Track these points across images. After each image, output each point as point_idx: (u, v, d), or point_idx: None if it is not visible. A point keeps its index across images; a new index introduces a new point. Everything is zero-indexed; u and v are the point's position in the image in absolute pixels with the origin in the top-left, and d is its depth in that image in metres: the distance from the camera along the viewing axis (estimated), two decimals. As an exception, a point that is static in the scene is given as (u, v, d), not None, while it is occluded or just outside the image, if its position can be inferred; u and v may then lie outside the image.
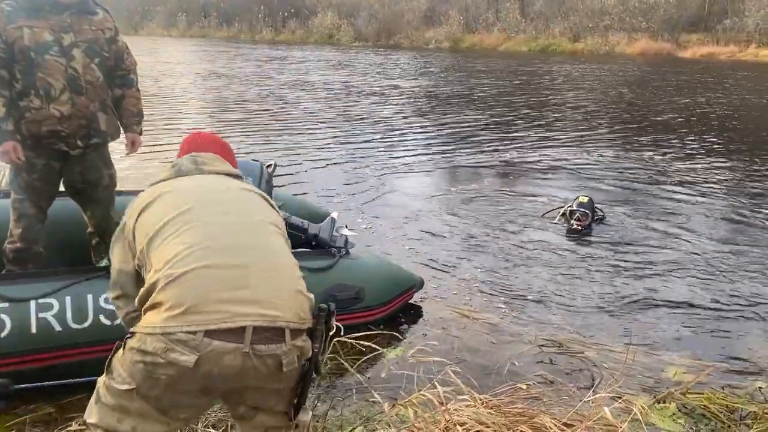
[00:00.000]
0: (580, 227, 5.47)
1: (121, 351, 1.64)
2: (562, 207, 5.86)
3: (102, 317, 2.77)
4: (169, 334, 1.53)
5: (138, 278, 1.79)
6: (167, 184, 1.86)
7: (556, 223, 5.64)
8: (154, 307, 1.60)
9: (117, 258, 1.85)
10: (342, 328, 1.88)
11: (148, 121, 3.89)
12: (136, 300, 1.69)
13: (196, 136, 2.11)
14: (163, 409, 1.63)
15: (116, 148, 3.53)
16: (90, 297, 2.78)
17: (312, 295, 1.76)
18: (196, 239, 1.64)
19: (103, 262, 3.47)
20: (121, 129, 3.47)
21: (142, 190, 1.89)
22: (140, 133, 3.52)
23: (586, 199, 5.72)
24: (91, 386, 2.78)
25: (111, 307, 2.78)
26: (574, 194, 6.58)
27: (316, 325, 1.72)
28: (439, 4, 37.51)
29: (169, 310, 1.56)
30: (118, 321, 2.75)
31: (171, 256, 1.62)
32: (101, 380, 1.69)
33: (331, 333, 1.79)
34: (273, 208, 1.94)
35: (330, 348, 2.64)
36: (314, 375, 1.75)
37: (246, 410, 1.76)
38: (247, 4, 43.88)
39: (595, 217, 5.72)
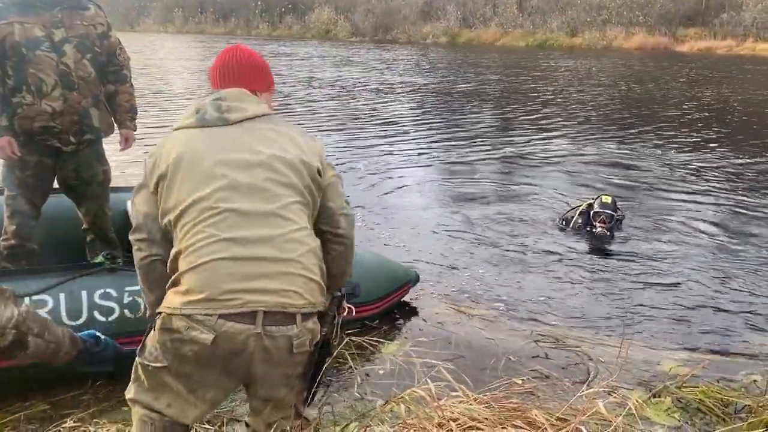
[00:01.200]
0: (605, 231, 5.09)
1: (152, 332, 1.76)
2: (578, 207, 5.48)
3: (97, 314, 2.76)
4: (188, 315, 1.66)
5: (165, 231, 1.79)
6: (189, 138, 1.78)
7: (571, 229, 5.30)
8: (176, 284, 1.72)
9: (140, 204, 1.83)
10: (353, 308, 1.92)
11: (146, 117, 3.86)
12: (168, 266, 1.77)
13: (225, 65, 1.90)
14: (192, 387, 1.75)
15: (113, 146, 3.52)
16: (84, 294, 2.77)
17: (323, 282, 1.81)
18: (216, 229, 1.69)
19: (98, 259, 3.46)
20: (115, 125, 3.46)
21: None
22: (134, 129, 3.51)
23: (609, 199, 5.28)
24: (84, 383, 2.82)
25: (106, 303, 2.79)
26: (575, 190, 6.59)
27: (327, 310, 1.84)
28: (436, -1, 37.44)
29: (188, 294, 1.68)
30: (113, 317, 2.78)
31: (193, 242, 1.71)
32: (137, 360, 1.81)
33: (344, 315, 1.93)
34: (305, 161, 1.78)
35: (343, 341, 2.67)
36: (327, 358, 1.89)
37: (258, 404, 1.84)
38: (243, 0, 43.77)
39: (617, 218, 5.29)
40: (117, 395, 2.77)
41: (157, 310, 1.76)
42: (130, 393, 1.83)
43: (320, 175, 1.81)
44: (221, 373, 1.74)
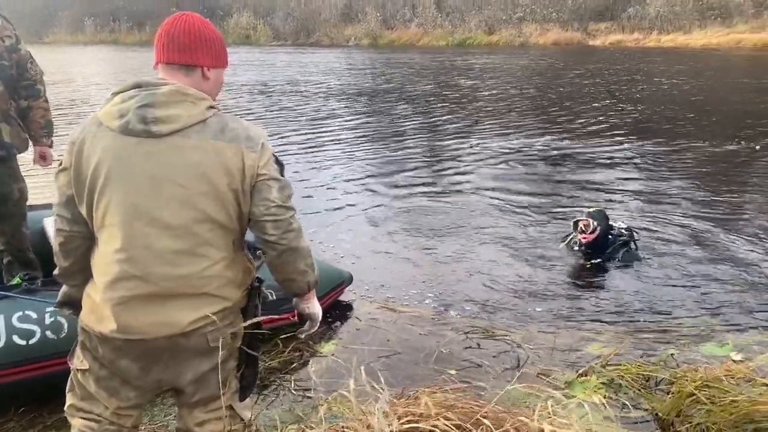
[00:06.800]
0: (584, 242, 4.48)
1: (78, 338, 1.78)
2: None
3: (16, 337, 2.65)
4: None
5: (85, 220, 1.70)
6: (111, 148, 1.62)
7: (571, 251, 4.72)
8: (92, 287, 1.71)
9: (64, 185, 1.70)
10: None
11: (64, 133, 3.70)
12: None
13: (170, 34, 1.71)
14: (114, 389, 1.75)
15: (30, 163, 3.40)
16: (1, 318, 2.66)
17: (236, 291, 1.77)
18: (126, 268, 1.63)
19: (15, 281, 3.32)
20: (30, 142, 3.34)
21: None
22: (51, 146, 3.39)
23: (593, 209, 4.73)
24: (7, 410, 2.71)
25: (25, 326, 2.68)
26: (504, 185, 6.75)
27: (247, 303, 1.80)
28: (355, 1, 37.55)
29: (98, 313, 1.68)
30: (33, 341, 2.68)
31: (102, 272, 1.67)
32: (71, 368, 1.82)
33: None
34: (233, 188, 1.66)
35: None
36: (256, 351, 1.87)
37: (190, 408, 1.82)
38: (157, 7, 42.55)
39: (614, 236, 4.61)
40: (43, 421, 2.68)
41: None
42: (68, 399, 1.82)
43: (251, 186, 1.68)
44: (139, 372, 1.72)
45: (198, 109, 1.65)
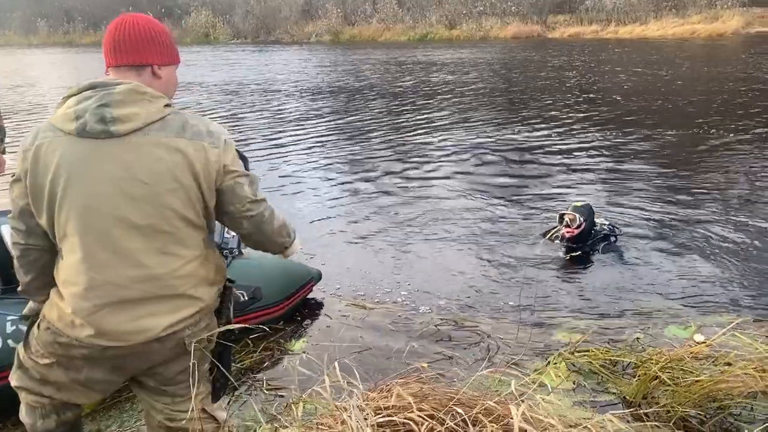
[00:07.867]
0: (567, 236, 4.49)
1: (36, 329, 1.76)
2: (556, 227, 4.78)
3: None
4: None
5: (42, 231, 1.68)
6: (68, 152, 1.58)
7: (551, 242, 4.77)
8: (59, 298, 1.67)
9: (18, 197, 1.66)
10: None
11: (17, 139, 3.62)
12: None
13: (117, 38, 1.67)
14: (81, 381, 1.74)
15: None
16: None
17: (210, 291, 1.76)
18: (94, 275, 1.61)
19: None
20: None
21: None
22: (3, 152, 3.31)
23: (580, 203, 4.66)
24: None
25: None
26: (471, 180, 6.79)
27: (221, 304, 1.83)
28: (316, -3, 37.41)
29: (69, 320, 1.65)
30: (-3, 349, 2.61)
31: (71, 283, 1.64)
32: (21, 351, 1.81)
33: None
34: (198, 185, 1.65)
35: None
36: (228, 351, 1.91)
37: (160, 407, 1.82)
38: (112, 6, 41.70)
39: (596, 231, 4.64)
40: (9, 432, 2.62)
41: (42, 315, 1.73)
42: (14, 380, 1.81)
43: (216, 184, 1.68)
44: (110, 371, 1.73)
45: (155, 106, 1.63)
